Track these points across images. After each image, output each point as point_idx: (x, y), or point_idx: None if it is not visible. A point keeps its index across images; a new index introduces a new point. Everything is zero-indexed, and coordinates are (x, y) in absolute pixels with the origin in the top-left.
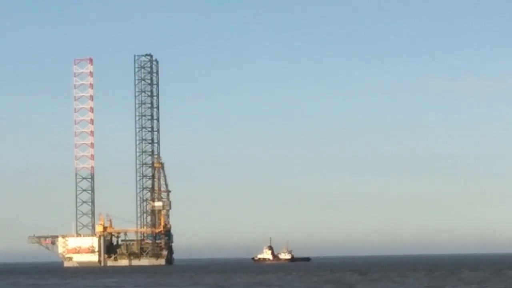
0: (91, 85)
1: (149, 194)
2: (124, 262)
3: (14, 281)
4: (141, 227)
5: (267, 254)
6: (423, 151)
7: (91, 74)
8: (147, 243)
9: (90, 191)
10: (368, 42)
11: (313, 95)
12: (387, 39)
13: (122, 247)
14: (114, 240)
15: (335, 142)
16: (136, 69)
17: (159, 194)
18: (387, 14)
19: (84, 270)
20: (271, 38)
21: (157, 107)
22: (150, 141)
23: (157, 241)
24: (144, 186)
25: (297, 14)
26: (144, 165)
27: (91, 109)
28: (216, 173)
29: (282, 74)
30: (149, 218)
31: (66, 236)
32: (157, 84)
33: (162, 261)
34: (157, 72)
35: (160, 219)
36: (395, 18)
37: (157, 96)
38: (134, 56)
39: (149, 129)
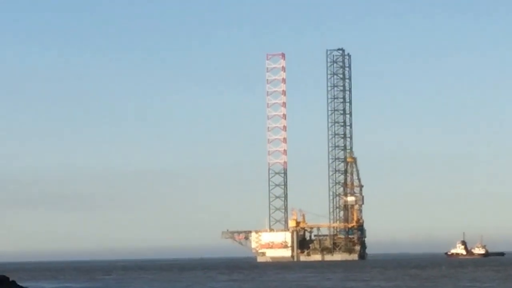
0: (283, 80)
1: (341, 189)
2: (317, 257)
3: (213, 275)
4: (333, 222)
5: (460, 249)
6: None
7: (283, 69)
8: (339, 238)
9: (283, 186)
10: None
11: None
12: None
13: (315, 242)
14: (307, 235)
15: None
16: (329, 64)
17: (352, 188)
18: None
19: (277, 265)
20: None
21: (350, 102)
22: (342, 136)
23: (349, 236)
24: (336, 181)
25: None
26: (336, 160)
27: (284, 104)
28: (409, 168)
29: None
30: (341, 213)
31: (259, 231)
32: (350, 79)
33: (355, 256)
34: (349, 67)
35: (353, 214)
36: None
37: (350, 90)
38: (326, 50)
39: (342, 124)
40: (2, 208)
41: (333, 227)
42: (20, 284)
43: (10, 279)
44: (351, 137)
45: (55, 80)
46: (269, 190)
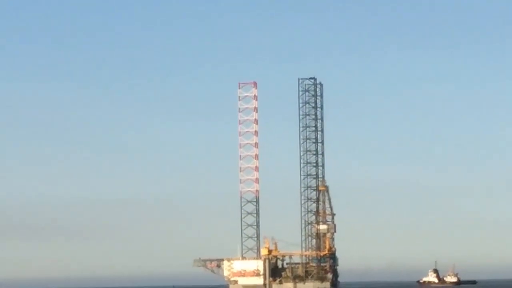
0: (255, 109)
1: (314, 217)
2: (289, 285)
3: None
4: (306, 250)
5: (432, 277)
6: None
7: (255, 97)
8: (312, 266)
9: (255, 214)
10: None
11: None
12: None
13: (287, 270)
14: (279, 263)
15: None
16: (300, 93)
17: (324, 217)
18: None
19: None
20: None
21: (322, 130)
22: (314, 164)
23: (322, 264)
24: (309, 209)
25: None
26: (308, 188)
27: (256, 133)
28: (381, 197)
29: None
30: (314, 241)
31: (232, 259)
32: (322, 107)
33: (327, 284)
34: (321, 95)
35: (325, 242)
36: None
37: (322, 119)
38: (298, 79)
39: (314, 152)
40: None
41: (305, 255)
42: None
43: None
44: (323, 166)
45: (37, 109)
46: (241, 219)
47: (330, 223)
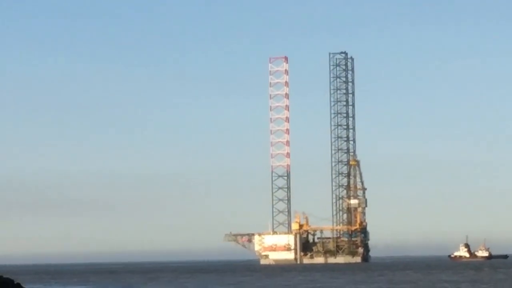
0: (286, 83)
1: (344, 191)
2: (320, 260)
3: (218, 278)
4: (336, 225)
5: (463, 252)
6: None
7: (286, 72)
8: (343, 240)
9: (286, 189)
10: None
11: None
12: None
13: (318, 244)
14: (310, 237)
15: None
16: (331, 67)
17: (355, 191)
18: None
19: (281, 268)
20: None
21: (353, 105)
22: (345, 139)
23: (353, 238)
24: (339, 184)
25: None
26: (339, 163)
27: (287, 107)
28: (411, 171)
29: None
30: (344, 215)
31: (262, 234)
32: (353, 82)
33: (358, 259)
34: (352, 70)
35: (356, 217)
36: None
37: (353, 93)
38: (329, 53)
39: (345, 127)
40: (7, 212)
41: (336, 230)
42: (25, 286)
43: (15, 282)
44: (354, 140)
45: (59, 85)
46: (272, 193)
47: (361, 197)
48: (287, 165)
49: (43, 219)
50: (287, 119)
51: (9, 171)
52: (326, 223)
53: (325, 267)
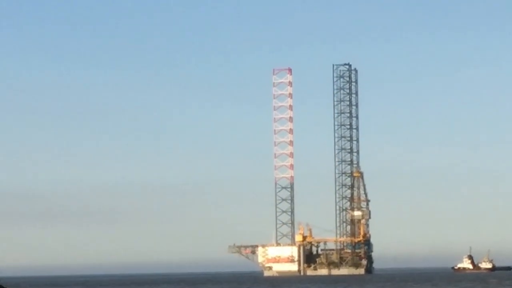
0: (290, 95)
1: (348, 203)
2: (323, 271)
3: None
4: (340, 237)
5: (467, 264)
6: None
7: (290, 83)
8: (346, 252)
9: (289, 201)
10: None
11: None
12: None
13: (322, 256)
14: (314, 249)
15: None
16: (335, 79)
17: (359, 203)
18: None
19: (284, 280)
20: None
21: (356, 116)
22: (349, 150)
23: (356, 250)
24: (343, 195)
25: None
26: (343, 174)
27: (290, 119)
28: (415, 183)
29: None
30: (348, 227)
31: (266, 245)
32: (356, 93)
33: (361, 271)
34: (356, 81)
35: (359, 229)
36: None
37: (356, 105)
38: (333, 65)
39: (348, 139)
40: (11, 223)
41: (340, 242)
42: None
43: None
44: (357, 152)
45: (75, 95)
46: (275, 205)
47: (364, 209)
48: (291, 176)
49: (47, 230)
50: (291, 131)
51: (14, 181)
52: (329, 235)
53: (329, 279)
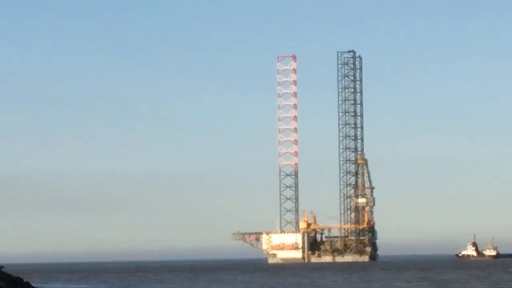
0: (294, 82)
1: (352, 190)
2: (327, 258)
3: (229, 277)
4: (344, 224)
5: (471, 251)
6: None
7: (294, 71)
8: (350, 239)
9: (294, 188)
10: None
11: None
12: None
13: (326, 243)
14: (318, 236)
15: None
16: (339, 66)
17: (363, 190)
18: None
19: (289, 267)
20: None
21: (361, 104)
22: (353, 138)
23: (360, 237)
24: (347, 183)
25: None
26: (347, 162)
27: (295, 106)
28: (419, 170)
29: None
30: (352, 214)
31: (270, 232)
32: (361, 81)
33: (365, 258)
34: (360, 69)
35: (363, 216)
36: None
37: (361, 92)
38: (337, 52)
39: (353, 126)
40: (15, 210)
41: (344, 229)
42: (34, 285)
43: (24, 281)
44: (362, 139)
45: (67, 83)
46: (280, 192)
47: (369, 196)
48: (295, 163)
49: (52, 217)
50: (295, 118)
51: (15, 169)
52: (334, 222)
53: (333, 266)
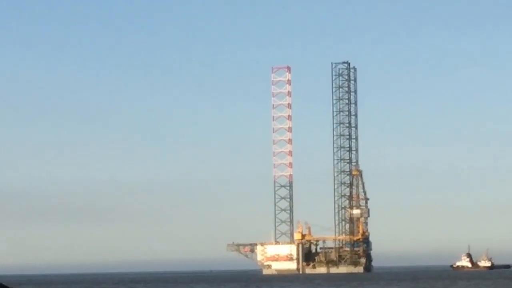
0: (289, 93)
1: (347, 201)
2: (322, 269)
3: None
4: (339, 235)
5: (465, 262)
6: None
7: (289, 82)
8: (345, 250)
9: (288, 199)
10: None
11: None
12: None
13: (321, 254)
14: (313, 247)
15: None
16: (334, 77)
17: (358, 201)
18: None
19: (283, 278)
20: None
21: (355, 115)
22: (348, 149)
23: (355, 248)
24: (342, 194)
25: None
26: (342, 173)
27: (289, 117)
28: (413, 181)
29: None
30: (347, 225)
31: (265, 243)
32: (355, 92)
33: (360, 269)
34: (355, 80)
35: (358, 227)
36: None
37: (355, 103)
38: (332, 63)
39: (347, 137)
40: (9, 221)
41: (339, 240)
42: None
43: None
44: (356, 150)
45: (64, 93)
46: (274, 203)
47: (363, 207)
48: (290, 175)
49: (48, 228)
50: (290, 129)
51: (10, 180)
52: (328, 233)
53: (328, 277)
